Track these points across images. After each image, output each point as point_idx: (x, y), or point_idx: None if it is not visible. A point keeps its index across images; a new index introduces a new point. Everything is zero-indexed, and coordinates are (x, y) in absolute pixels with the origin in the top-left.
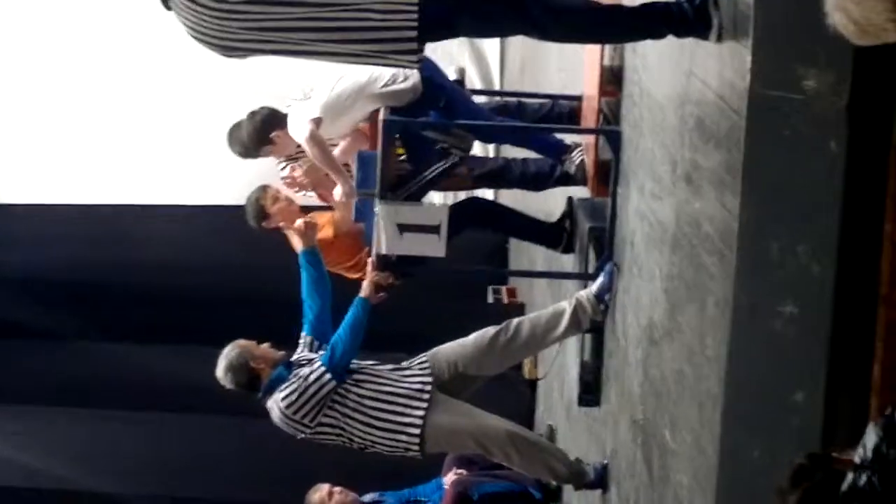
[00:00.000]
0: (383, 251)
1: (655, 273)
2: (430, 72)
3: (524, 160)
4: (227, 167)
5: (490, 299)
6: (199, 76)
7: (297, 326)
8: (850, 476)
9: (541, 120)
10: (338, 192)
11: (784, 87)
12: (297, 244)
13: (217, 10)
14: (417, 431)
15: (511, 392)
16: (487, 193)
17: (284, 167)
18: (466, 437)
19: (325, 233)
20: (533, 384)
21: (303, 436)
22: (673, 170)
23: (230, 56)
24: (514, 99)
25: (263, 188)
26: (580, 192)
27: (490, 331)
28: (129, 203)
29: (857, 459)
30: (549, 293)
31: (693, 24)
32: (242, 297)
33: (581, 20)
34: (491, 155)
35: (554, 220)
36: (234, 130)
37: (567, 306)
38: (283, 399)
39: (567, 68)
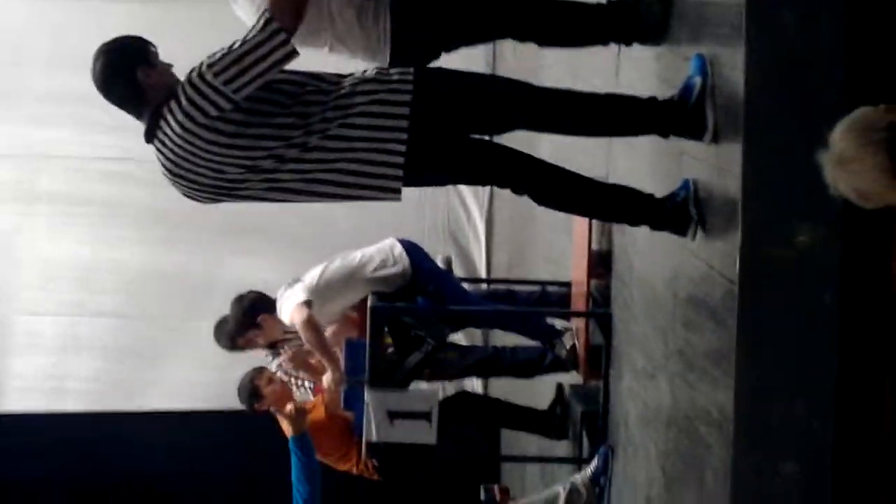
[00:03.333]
0: (373, 438)
1: (651, 451)
2: (419, 257)
3: (514, 348)
4: (216, 372)
5: (482, 498)
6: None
7: None
8: None
9: (531, 306)
10: (327, 379)
11: (776, 244)
12: (288, 429)
13: (217, 142)
14: None
15: None
16: (476, 383)
17: (272, 361)
18: None
19: (318, 413)
20: None
21: None
22: (666, 346)
23: (202, 200)
24: (503, 287)
25: (259, 369)
26: (571, 378)
27: None
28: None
29: None
30: (542, 488)
31: (670, 219)
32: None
33: (556, 193)
34: (480, 344)
35: (544, 408)
36: (221, 324)
37: (561, 491)
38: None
39: (555, 259)
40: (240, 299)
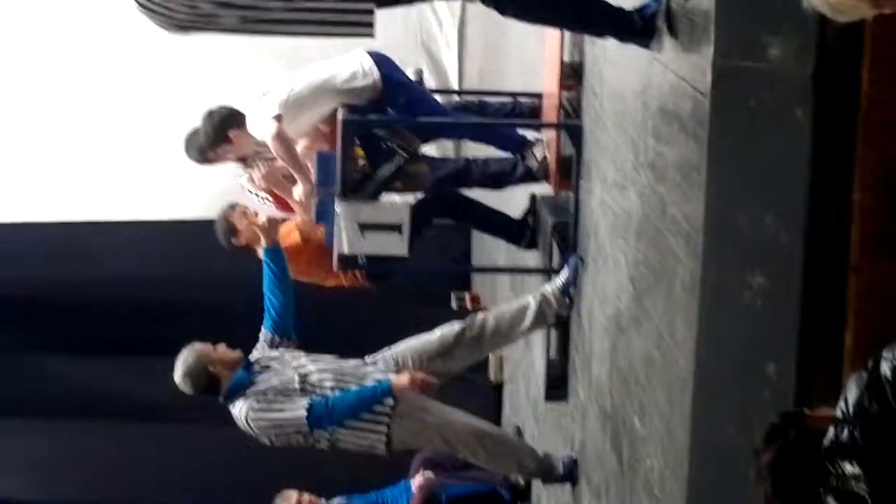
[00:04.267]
0: (345, 251)
1: (621, 261)
2: (389, 69)
3: (485, 160)
4: (188, 182)
5: (454, 306)
6: (154, 91)
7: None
8: (831, 431)
9: (502, 117)
10: (298, 192)
11: (748, 56)
12: (259, 245)
13: None
14: (384, 430)
15: (476, 396)
16: None
17: (243, 175)
18: (432, 433)
19: (293, 238)
20: (499, 387)
21: (267, 441)
22: (636, 157)
23: (173, 31)
24: (474, 98)
25: (232, 206)
26: (542, 189)
27: (455, 326)
28: (88, 220)
29: (838, 413)
30: (512, 297)
31: (639, 33)
32: (204, 308)
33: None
34: (451, 156)
35: (517, 218)
36: (192, 137)
37: (532, 301)
38: (254, 418)
39: (526, 71)
40: (210, 115)
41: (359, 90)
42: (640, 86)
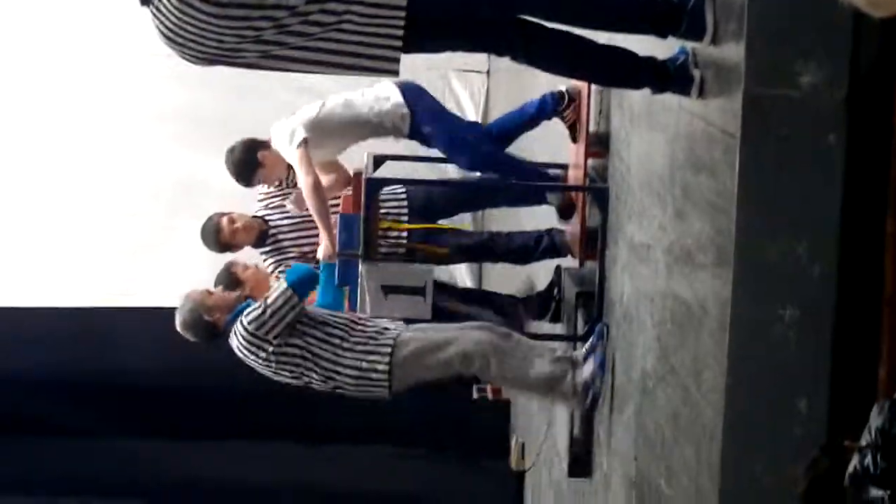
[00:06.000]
0: (368, 313)
1: (647, 322)
2: (413, 96)
3: (509, 234)
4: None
5: (475, 395)
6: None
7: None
8: (855, 458)
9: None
10: (321, 252)
11: (780, 84)
12: None
13: (211, 13)
14: (385, 367)
15: (497, 485)
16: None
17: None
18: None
19: None
20: (520, 475)
21: (265, 357)
22: (664, 213)
23: (197, 64)
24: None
25: (231, 262)
26: (567, 263)
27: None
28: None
29: (862, 442)
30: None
31: (674, 80)
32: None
33: (557, 55)
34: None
35: (541, 290)
36: (207, 224)
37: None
38: (247, 317)
39: (552, 143)
40: (231, 150)
41: (384, 116)
42: (666, 140)
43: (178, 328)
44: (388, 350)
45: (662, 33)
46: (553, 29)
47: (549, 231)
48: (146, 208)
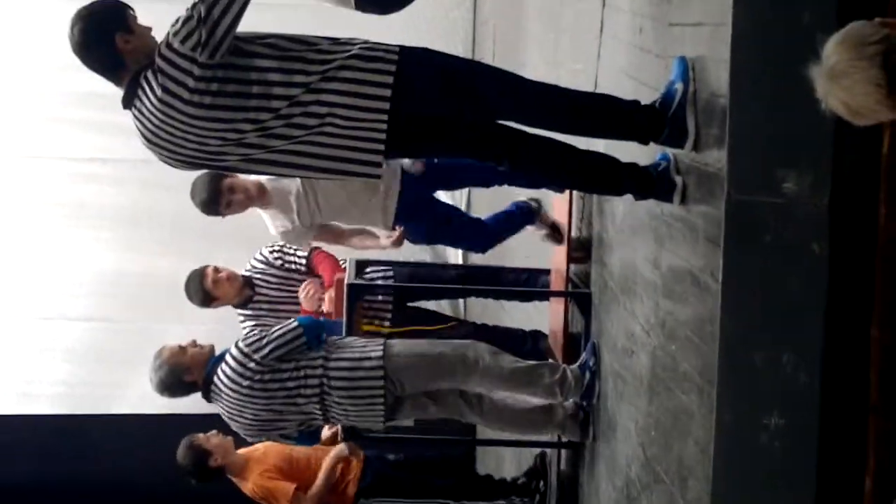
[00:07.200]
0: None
1: (630, 429)
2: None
3: (493, 327)
4: None
5: None
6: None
7: None
8: None
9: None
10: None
11: (763, 191)
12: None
13: (195, 115)
14: (378, 353)
15: None
16: None
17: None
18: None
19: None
20: None
21: (248, 385)
22: (647, 320)
23: (179, 167)
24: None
25: (193, 435)
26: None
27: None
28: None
29: None
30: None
31: (656, 186)
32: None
33: (540, 160)
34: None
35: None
36: (192, 277)
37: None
38: (244, 340)
39: (533, 255)
40: (194, 184)
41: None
42: (649, 248)
43: (155, 390)
44: (379, 347)
45: (644, 139)
46: (535, 135)
47: (534, 333)
48: (127, 315)
